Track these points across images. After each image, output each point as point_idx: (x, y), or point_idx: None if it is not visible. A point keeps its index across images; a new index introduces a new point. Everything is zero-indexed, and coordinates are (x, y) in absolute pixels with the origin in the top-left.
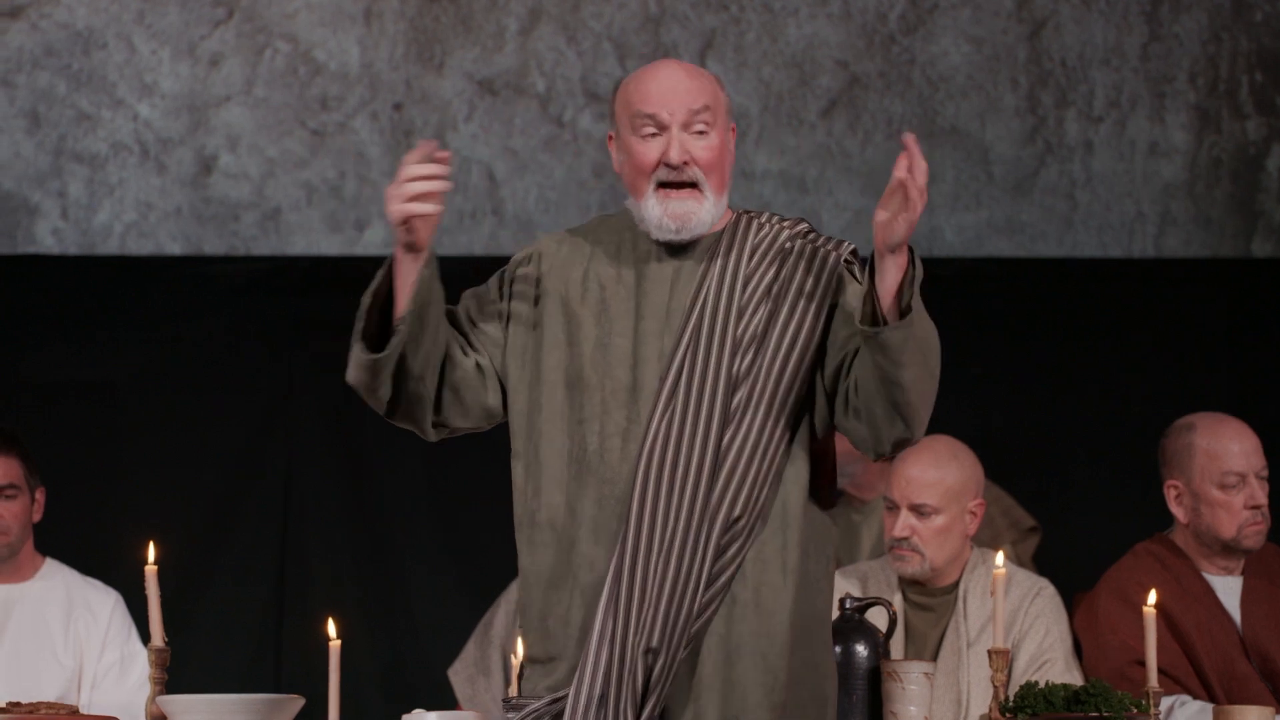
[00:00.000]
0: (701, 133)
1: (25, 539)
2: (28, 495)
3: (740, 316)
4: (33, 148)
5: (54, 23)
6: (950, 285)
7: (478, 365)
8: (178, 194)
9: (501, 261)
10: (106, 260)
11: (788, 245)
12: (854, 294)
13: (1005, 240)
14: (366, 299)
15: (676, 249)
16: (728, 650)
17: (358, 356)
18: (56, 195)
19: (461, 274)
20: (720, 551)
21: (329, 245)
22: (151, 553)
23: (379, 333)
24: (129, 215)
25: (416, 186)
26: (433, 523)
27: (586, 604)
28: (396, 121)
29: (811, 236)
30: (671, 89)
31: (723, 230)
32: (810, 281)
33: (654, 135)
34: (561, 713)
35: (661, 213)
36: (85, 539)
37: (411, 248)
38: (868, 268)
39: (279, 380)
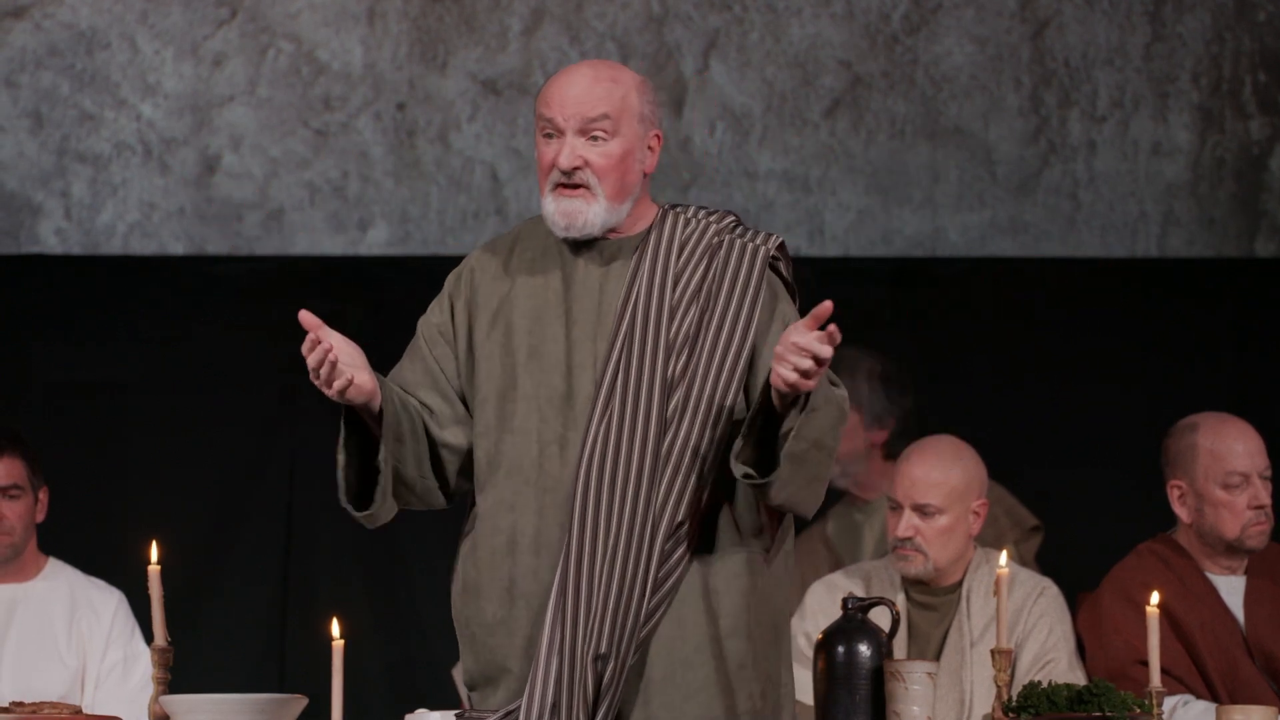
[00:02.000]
0: (597, 139)
1: (29, 539)
2: (31, 495)
3: (672, 318)
4: (36, 148)
5: (57, 23)
6: (953, 285)
7: (457, 424)
8: (181, 194)
9: None
10: (110, 260)
11: (715, 240)
12: (778, 296)
13: (1008, 240)
14: (341, 458)
15: (603, 251)
16: (676, 653)
17: (354, 514)
18: (60, 195)
19: None
20: (665, 556)
21: (332, 245)
22: (154, 552)
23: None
24: (132, 215)
25: (321, 374)
26: (437, 521)
27: (531, 615)
28: (400, 121)
29: (739, 231)
30: (573, 96)
31: (649, 229)
32: (741, 279)
33: (550, 138)
34: None
35: (554, 210)
36: (89, 539)
37: (357, 398)
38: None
39: (282, 380)
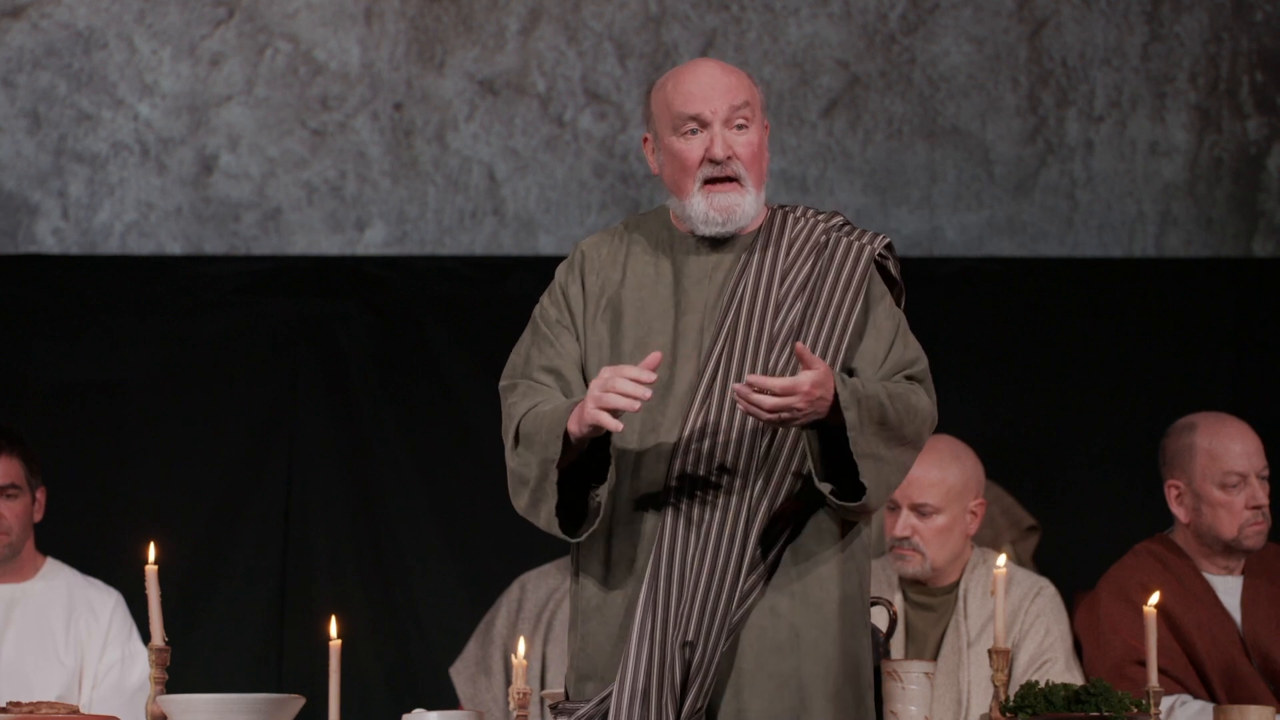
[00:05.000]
0: (741, 128)
1: (26, 539)
2: (29, 495)
3: (776, 313)
4: (34, 148)
5: (55, 22)
6: (951, 285)
7: None
8: (178, 194)
9: (502, 261)
10: (107, 260)
11: (823, 239)
12: (882, 301)
13: (1006, 240)
14: (550, 474)
15: (715, 246)
16: (771, 642)
17: (556, 529)
18: (57, 195)
19: (462, 274)
20: (759, 547)
21: (330, 245)
22: (152, 552)
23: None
24: (130, 215)
25: (618, 401)
26: (435, 522)
27: (625, 603)
28: (397, 121)
29: (846, 230)
30: (712, 86)
31: (760, 227)
32: (844, 276)
33: (696, 133)
34: (609, 712)
35: (707, 207)
36: (88, 539)
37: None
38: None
39: (281, 380)
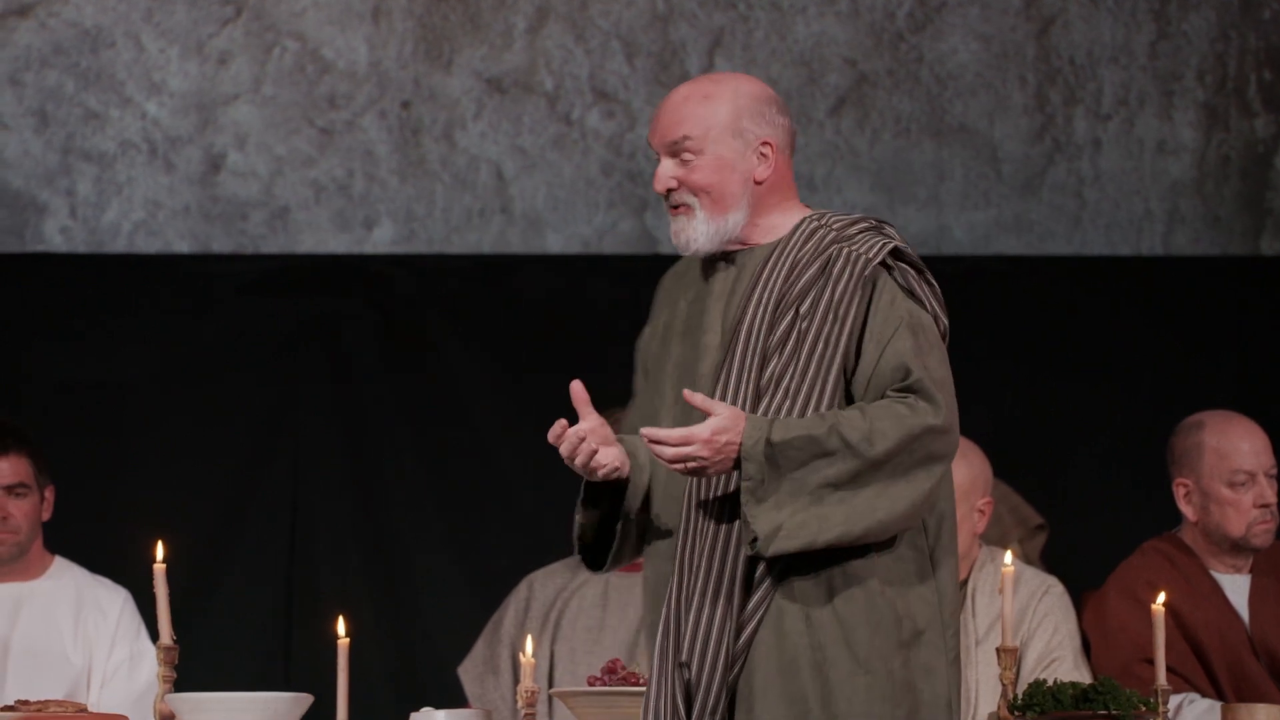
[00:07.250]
0: (685, 160)
1: (35, 537)
2: (37, 494)
3: (771, 329)
4: (41, 146)
5: (62, 21)
6: (958, 283)
7: None
8: (186, 192)
9: (510, 260)
10: (115, 259)
11: (831, 248)
12: (885, 306)
13: (1013, 238)
14: (579, 518)
15: (736, 262)
16: (777, 660)
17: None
18: (65, 194)
19: (469, 272)
20: (752, 563)
21: (337, 244)
22: (160, 551)
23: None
24: (137, 214)
25: (579, 461)
26: (442, 521)
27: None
28: (405, 120)
29: (862, 237)
30: (659, 120)
31: (778, 240)
32: (840, 289)
33: (659, 160)
34: None
35: (670, 231)
36: (95, 537)
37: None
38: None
39: (287, 379)
